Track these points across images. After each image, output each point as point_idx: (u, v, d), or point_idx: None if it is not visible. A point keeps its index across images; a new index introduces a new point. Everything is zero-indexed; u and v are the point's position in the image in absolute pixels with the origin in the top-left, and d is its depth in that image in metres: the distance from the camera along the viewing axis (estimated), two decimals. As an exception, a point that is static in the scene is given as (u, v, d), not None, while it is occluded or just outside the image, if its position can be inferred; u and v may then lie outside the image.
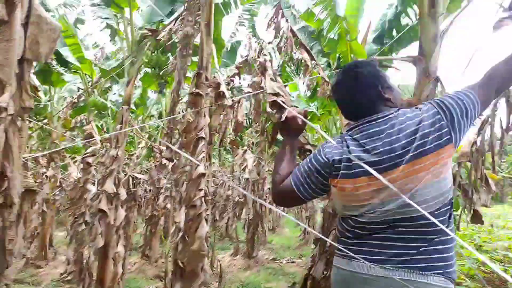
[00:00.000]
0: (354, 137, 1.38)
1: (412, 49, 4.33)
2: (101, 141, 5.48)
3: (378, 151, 1.29)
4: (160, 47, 4.82)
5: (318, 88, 5.01)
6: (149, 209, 7.23)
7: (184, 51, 2.91)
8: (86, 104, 6.37)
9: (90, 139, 5.14)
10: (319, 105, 6.06)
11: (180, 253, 2.71)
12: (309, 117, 6.45)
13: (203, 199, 2.84)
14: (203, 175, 2.90)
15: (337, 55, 4.27)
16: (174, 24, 4.05)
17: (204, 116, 3.13)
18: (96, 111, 6.06)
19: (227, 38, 6.65)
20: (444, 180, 1.25)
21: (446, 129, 1.26)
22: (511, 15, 2.10)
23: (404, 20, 3.85)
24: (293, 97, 6.92)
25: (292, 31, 4.13)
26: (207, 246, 2.72)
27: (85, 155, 5.41)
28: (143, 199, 6.93)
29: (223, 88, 3.09)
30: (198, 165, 2.89)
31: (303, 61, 4.28)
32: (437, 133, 1.25)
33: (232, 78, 5.93)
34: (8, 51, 1.40)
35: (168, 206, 6.91)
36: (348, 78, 1.47)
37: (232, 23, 7.02)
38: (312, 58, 4.37)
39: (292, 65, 5.25)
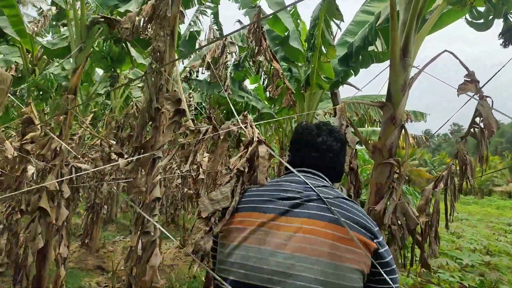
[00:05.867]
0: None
1: (371, 69, 4.49)
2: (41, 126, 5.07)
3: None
4: (114, 36, 4.47)
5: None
6: (91, 196, 6.88)
7: (154, 66, 2.71)
8: (24, 81, 5.82)
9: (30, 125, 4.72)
10: (278, 105, 6.09)
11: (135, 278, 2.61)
12: (264, 117, 6.49)
13: (157, 224, 2.73)
14: (158, 199, 2.78)
15: (302, 66, 4.28)
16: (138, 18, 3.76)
17: (163, 133, 2.98)
18: (36, 93, 5.54)
19: (185, 26, 6.37)
20: None
21: None
22: (473, 80, 2.22)
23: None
24: (251, 93, 6.86)
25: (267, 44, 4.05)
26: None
27: (23, 141, 4.97)
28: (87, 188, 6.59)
29: (183, 105, 2.95)
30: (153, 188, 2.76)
31: (274, 70, 4.23)
32: None
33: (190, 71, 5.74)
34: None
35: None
36: (335, 140, 1.36)
37: (191, 10, 6.71)
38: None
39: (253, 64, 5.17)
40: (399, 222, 2.38)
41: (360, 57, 4.05)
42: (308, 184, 1.18)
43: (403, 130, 2.41)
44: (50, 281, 4.23)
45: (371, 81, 2.62)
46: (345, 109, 2.07)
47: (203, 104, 9.15)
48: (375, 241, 1.09)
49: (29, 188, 4.15)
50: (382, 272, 1.07)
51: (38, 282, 4.18)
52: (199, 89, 6.16)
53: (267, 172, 1.49)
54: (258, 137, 1.56)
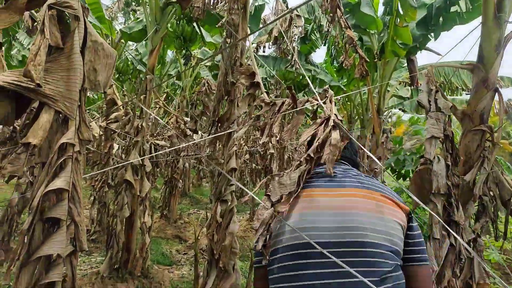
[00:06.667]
0: None
1: (453, 32, 4.12)
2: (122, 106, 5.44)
3: None
4: (186, 16, 4.60)
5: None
6: (168, 170, 7.34)
7: (229, 40, 2.77)
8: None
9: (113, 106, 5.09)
10: (346, 77, 5.90)
11: (216, 244, 2.77)
12: (334, 90, 6.33)
13: (233, 194, 2.86)
14: (234, 170, 2.88)
15: (374, 34, 4.06)
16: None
17: (238, 106, 3.04)
18: (117, 75, 5.94)
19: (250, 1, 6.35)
20: None
21: None
22: None
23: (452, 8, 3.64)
24: (318, 66, 6.71)
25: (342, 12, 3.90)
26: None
27: (108, 121, 5.38)
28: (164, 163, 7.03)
29: (257, 78, 2.98)
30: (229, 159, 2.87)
31: (348, 39, 4.08)
32: None
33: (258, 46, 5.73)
34: (69, 81, 1.31)
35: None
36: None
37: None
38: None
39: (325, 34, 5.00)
40: (491, 193, 2.23)
41: (441, 19, 3.74)
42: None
43: (496, 95, 2.22)
44: (137, 247, 4.62)
45: (460, 42, 2.40)
46: (433, 72, 1.93)
47: (268, 79, 9.15)
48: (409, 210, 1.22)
49: (119, 165, 4.51)
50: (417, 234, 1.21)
51: (127, 248, 4.58)
52: (265, 65, 6.18)
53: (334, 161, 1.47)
54: (334, 119, 1.50)
